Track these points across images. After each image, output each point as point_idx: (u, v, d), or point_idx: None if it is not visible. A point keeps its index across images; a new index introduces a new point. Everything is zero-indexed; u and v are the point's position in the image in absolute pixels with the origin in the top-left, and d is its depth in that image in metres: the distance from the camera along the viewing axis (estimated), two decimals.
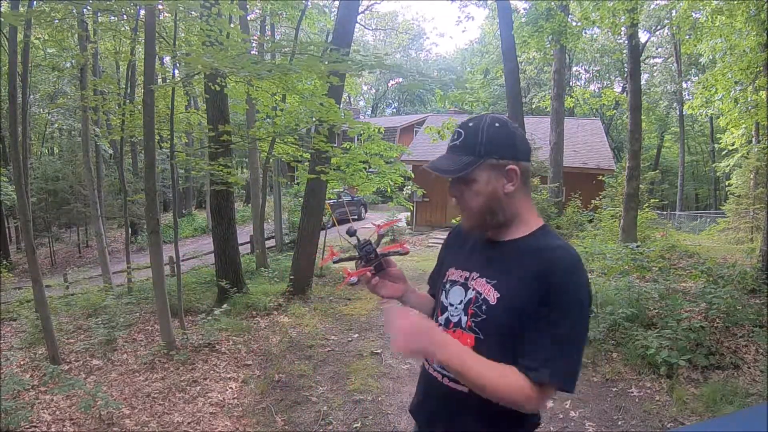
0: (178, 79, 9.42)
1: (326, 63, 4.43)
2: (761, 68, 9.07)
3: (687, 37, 11.03)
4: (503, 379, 1.03)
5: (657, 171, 20.46)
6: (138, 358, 4.87)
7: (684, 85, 25.24)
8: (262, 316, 6.13)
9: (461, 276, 1.23)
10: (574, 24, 11.11)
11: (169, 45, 6.72)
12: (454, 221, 12.06)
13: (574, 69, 30.62)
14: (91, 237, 17.92)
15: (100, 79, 10.87)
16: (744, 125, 12.27)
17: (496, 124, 1.14)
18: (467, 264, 1.24)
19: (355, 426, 3.54)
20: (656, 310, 4.88)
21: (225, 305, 6.04)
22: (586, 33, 17.64)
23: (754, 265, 6.64)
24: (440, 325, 1.22)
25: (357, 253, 1.19)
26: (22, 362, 4.95)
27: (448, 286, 1.25)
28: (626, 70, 14.52)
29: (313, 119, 6.23)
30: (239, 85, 7.47)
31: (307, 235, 7.28)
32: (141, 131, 6.50)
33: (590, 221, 11.66)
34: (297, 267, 7.28)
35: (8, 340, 5.83)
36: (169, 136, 7.37)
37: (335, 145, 6.89)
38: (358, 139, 12.74)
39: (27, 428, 3.57)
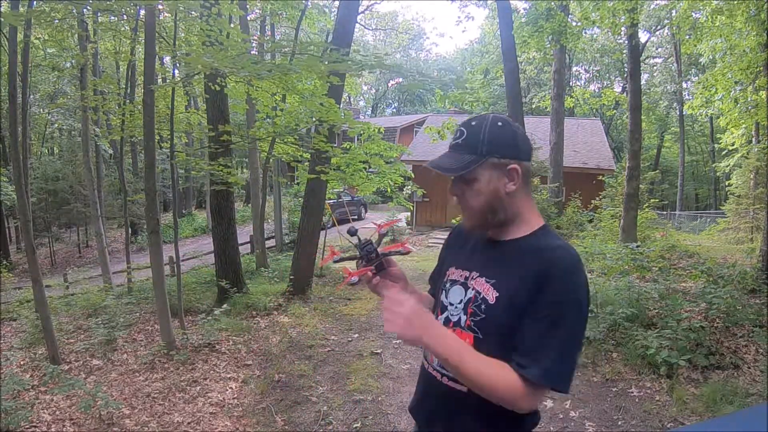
0: (178, 79, 9.42)
1: (326, 63, 4.43)
2: (761, 68, 9.07)
3: (687, 37, 11.04)
4: (496, 375, 1.02)
5: (657, 171, 20.47)
6: (138, 358, 4.87)
7: (684, 85, 25.26)
8: (262, 316, 6.13)
9: (461, 275, 1.23)
10: (574, 24, 11.11)
11: (169, 45, 6.73)
12: (454, 221, 12.07)
13: (574, 69, 30.63)
14: (91, 237, 17.92)
15: (100, 79, 10.88)
16: (744, 125, 12.28)
17: (499, 124, 1.14)
18: (467, 264, 1.24)
19: (355, 426, 3.54)
20: (656, 310, 4.88)
21: (225, 305, 6.04)
22: (586, 33, 17.65)
23: (754, 265, 6.64)
24: None
25: (358, 253, 1.19)
26: (22, 362, 4.95)
27: (448, 285, 1.25)
28: (626, 70, 14.52)
29: (313, 119, 6.23)
30: (239, 85, 7.47)
31: (307, 235, 7.28)
32: (141, 131, 6.50)
33: (590, 221, 11.67)
34: (297, 267, 7.28)
35: (8, 340, 5.83)
36: (169, 136, 7.37)
37: (335, 145, 6.89)
38: (358, 139, 12.75)
39: (27, 428, 3.57)
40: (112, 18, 8.20)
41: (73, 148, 18.12)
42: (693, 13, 10.24)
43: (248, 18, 11.60)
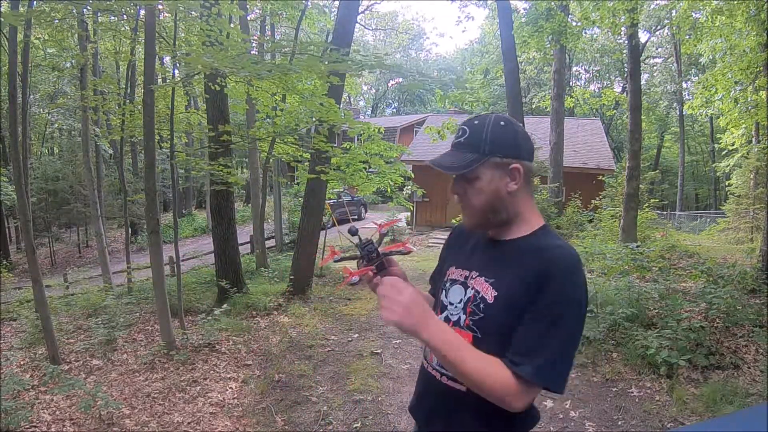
0: (178, 79, 9.42)
1: (326, 63, 4.43)
2: (761, 68, 9.07)
3: (687, 37, 11.04)
4: (490, 372, 1.02)
5: (657, 171, 20.47)
6: (138, 358, 4.87)
7: (684, 85, 25.26)
8: (262, 316, 6.13)
9: (461, 275, 1.23)
10: (574, 24, 11.11)
11: (169, 45, 6.73)
12: (454, 221, 12.07)
13: (574, 69, 30.63)
14: (91, 237, 17.92)
15: (100, 79, 10.87)
16: (744, 125, 12.28)
17: (501, 123, 1.14)
18: (468, 263, 1.24)
19: (355, 426, 3.54)
20: (656, 310, 4.88)
21: (225, 305, 6.04)
22: (586, 33, 17.65)
23: (754, 265, 6.64)
24: None
25: (358, 253, 1.18)
26: (22, 362, 4.95)
27: (448, 284, 1.26)
28: (626, 70, 14.52)
29: (313, 119, 6.23)
30: (239, 85, 7.47)
31: (307, 235, 7.28)
32: (141, 131, 6.50)
33: (590, 221, 11.67)
34: (297, 267, 7.29)
35: (8, 340, 5.83)
36: (169, 136, 7.37)
37: (335, 145, 6.89)
38: (358, 139, 12.75)
39: (27, 428, 3.57)
40: (112, 18, 8.20)
41: (73, 148, 18.12)
42: (693, 13, 10.24)
43: (248, 18, 11.60)
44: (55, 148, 24.23)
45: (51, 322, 4.92)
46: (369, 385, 4.17)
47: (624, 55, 17.48)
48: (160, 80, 9.57)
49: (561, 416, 3.54)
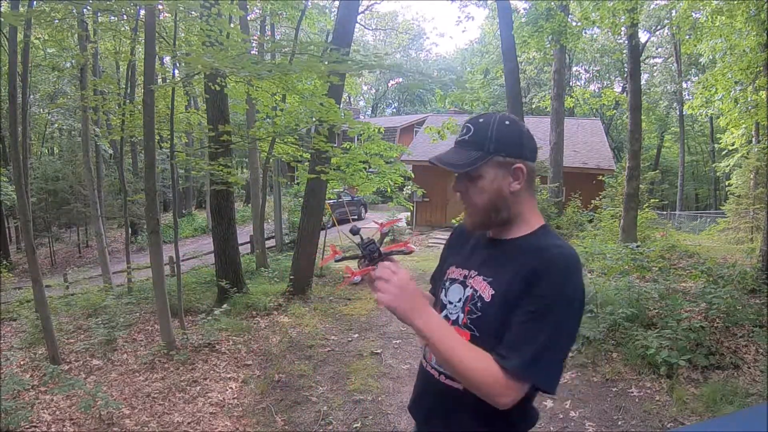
0: (178, 79, 9.42)
1: (326, 63, 4.43)
2: (761, 68, 9.07)
3: (687, 37, 11.03)
4: (475, 362, 1.02)
5: (657, 171, 20.47)
6: (138, 358, 4.87)
7: (684, 85, 25.25)
8: (262, 316, 6.13)
9: (461, 274, 1.23)
10: (574, 24, 11.11)
11: (169, 45, 6.72)
12: (454, 221, 12.08)
13: (574, 69, 30.63)
14: (91, 237, 17.92)
15: (100, 79, 10.87)
16: (744, 125, 12.27)
17: (506, 122, 1.14)
18: (467, 263, 1.24)
19: (355, 426, 3.54)
20: (656, 310, 4.88)
21: (225, 305, 6.04)
22: (586, 33, 17.65)
23: (754, 265, 6.64)
24: None
25: (360, 252, 1.18)
26: (22, 362, 4.95)
27: (447, 284, 1.26)
28: (626, 70, 14.52)
29: (313, 119, 6.23)
30: (239, 85, 7.47)
31: (307, 235, 7.28)
32: (141, 131, 6.50)
33: (590, 221, 11.66)
34: (297, 267, 7.28)
35: (8, 340, 5.83)
36: (169, 136, 7.37)
37: (335, 145, 6.89)
38: (358, 139, 12.74)
39: (27, 428, 3.57)
40: (112, 18, 8.20)
41: (73, 148, 18.12)
42: (693, 13, 10.24)
43: (248, 18, 11.60)
44: (55, 148, 24.23)
45: (51, 322, 4.92)
46: (369, 385, 4.17)
47: (624, 55, 17.48)
48: (160, 80, 9.57)
49: (561, 416, 3.54)
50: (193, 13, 6.41)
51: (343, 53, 4.99)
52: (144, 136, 5.20)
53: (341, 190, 14.79)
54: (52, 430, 3.62)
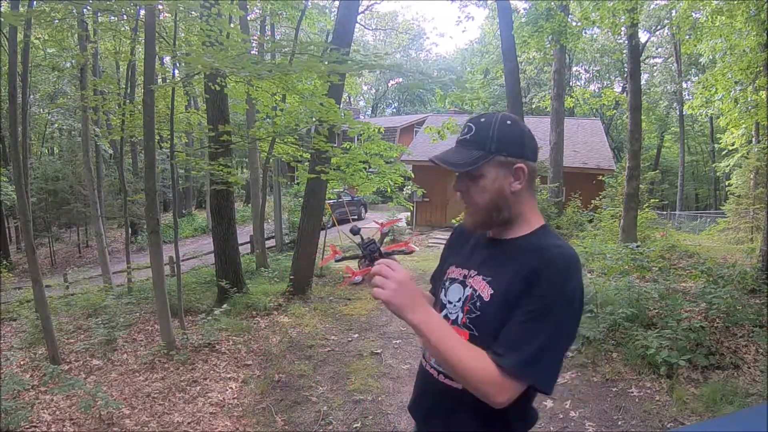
0: (178, 79, 9.42)
1: (326, 63, 4.44)
2: (761, 68, 9.07)
3: (687, 37, 11.03)
4: (473, 360, 1.02)
5: (657, 171, 20.47)
6: (138, 358, 4.87)
7: (684, 85, 25.25)
8: (262, 316, 6.13)
9: (460, 274, 1.23)
10: (574, 24, 11.11)
11: (169, 45, 6.72)
12: (454, 221, 12.07)
13: (574, 69, 30.63)
14: (91, 237, 17.92)
15: (100, 79, 10.87)
16: (744, 125, 12.27)
17: (508, 122, 1.15)
18: (467, 262, 1.25)
19: (355, 426, 3.54)
20: (656, 310, 4.88)
21: (225, 305, 6.04)
22: (586, 33, 17.65)
23: (754, 265, 6.64)
24: None
25: (360, 252, 1.18)
26: (22, 362, 4.95)
27: (447, 283, 1.26)
28: (626, 70, 14.52)
29: (313, 119, 6.23)
30: (239, 85, 7.47)
31: (307, 235, 7.28)
32: (141, 131, 6.50)
33: (590, 221, 11.66)
34: (297, 267, 7.28)
35: (8, 340, 5.83)
36: (169, 136, 7.37)
37: (335, 145, 6.89)
38: (358, 139, 12.74)
39: (27, 428, 3.57)
40: (112, 18, 8.20)
41: (73, 148, 18.12)
42: (693, 13, 10.24)
43: (248, 18, 11.60)
44: (55, 148, 24.22)
45: (51, 322, 4.92)
46: (369, 385, 4.17)
47: (624, 55, 17.48)
48: (160, 80, 9.57)
49: (561, 416, 3.54)
50: (193, 13, 6.41)
51: (343, 53, 4.99)
52: (144, 136, 5.20)
53: (341, 190, 14.79)
54: (52, 430, 3.62)
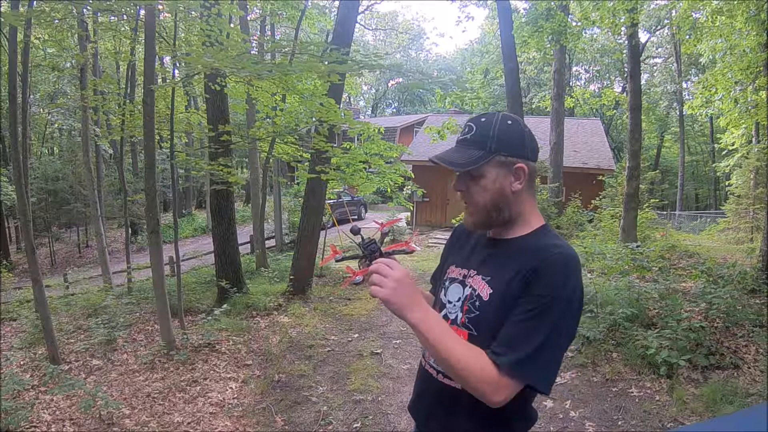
0: (178, 79, 9.42)
1: (326, 63, 4.44)
2: (761, 68, 9.07)
3: (687, 37, 11.04)
4: (470, 359, 1.02)
5: (657, 171, 20.43)
6: (138, 358, 4.87)
7: (684, 85, 25.25)
8: (262, 316, 6.13)
9: (460, 273, 1.24)
10: (574, 24, 11.10)
11: (169, 45, 6.72)
12: (454, 221, 12.06)
13: (574, 69, 30.62)
14: (91, 237, 17.92)
15: (100, 79, 10.85)
16: (744, 125, 12.28)
17: (508, 122, 1.15)
18: (467, 262, 1.25)
19: (355, 426, 3.54)
20: (656, 310, 4.88)
21: (225, 305, 6.04)
22: (586, 33, 17.63)
23: (754, 265, 6.64)
24: None
25: (361, 252, 1.18)
26: (22, 362, 4.95)
27: (447, 283, 1.26)
28: (626, 70, 14.53)
29: (313, 119, 6.23)
30: (239, 85, 7.47)
31: (307, 235, 7.28)
32: (141, 131, 6.50)
33: (590, 221, 11.66)
34: (297, 267, 7.29)
35: (8, 340, 5.84)
36: (169, 136, 7.37)
37: (335, 145, 6.89)
38: (358, 139, 12.74)
39: (27, 428, 3.57)
40: (112, 18, 8.20)
41: (73, 148, 18.11)
42: (693, 13, 10.24)
43: (248, 18, 11.60)
44: (55, 148, 24.22)
45: (51, 322, 4.92)
46: (369, 385, 4.17)
47: (624, 55, 17.47)
48: (160, 80, 9.56)
49: (561, 416, 3.54)
50: (193, 13, 6.42)
51: (343, 53, 4.99)
52: (144, 136, 5.20)
53: (341, 190, 14.79)
54: (52, 430, 3.62)
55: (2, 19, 5.24)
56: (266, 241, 10.82)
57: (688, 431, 2.47)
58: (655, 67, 28.67)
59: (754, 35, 8.93)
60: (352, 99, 33.69)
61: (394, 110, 44.16)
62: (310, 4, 12.76)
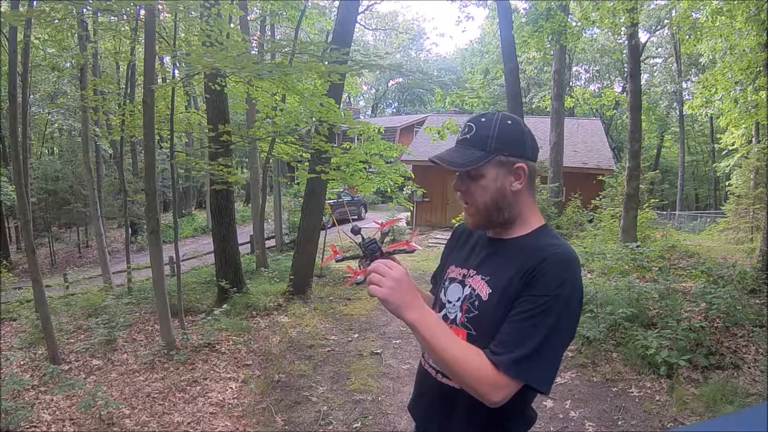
0: (178, 79, 9.41)
1: (326, 63, 4.44)
2: (761, 68, 9.06)
3: (687, 37, 11.02)
4: (468, 359, 1.01)
5: (657, 171, 20.44)
6: (138, 358, 4.87)
7: (684, 85, 25.25)
8: (262, 316, 6.13)
9: (460, 273, 1.24)
10: (574, 24, 11.11)
11: (169, 45, 6.72)
12: (454, 221, 12.07)
13: (574, 69, 30.60)
14: (91, 237, 17.92)
15: (100, 79, 10.86)
16: (744, 125, 12.27)
17: (508, 122, 1.15)
18: (466, 262, 1.25)
19: (355, 426, 3.54)
20: (656, 310, 4.88)
21: (225, 305, 6.04)
22: (586, 33, 17.62)
23: (754, 265, 6.64)
24: None
25: (361, 252, 1.18)
26: (22, 362, 4.94)
27: (447, 283, 1.27)
28: (626, 70, 14.53)
29: (313, 119, 6.23)
30: (239, 85, 7.47)
31: (307, 235, 7.29)
32: (141, 131, 6.49)
33: (590, 221, 11.65)
34: (297, 267, 7.28)
35: (8, 340, 5.83)
36: (169, 136, 7.36)
37: (335, 145, 6.89)
38: (358, 139, 12.75)
39: (27, 428, 3.57)
40: (112, 18, 8.20)
41: (73, 148, 18.12)
42: (693, 13, 10.23)
43: (248, 18, 11.60)
44: (55, 148, 24.21)
45: (51, 322, 4.92)
46: (369, 385, 4.17)
47: (624, 55, 17.48)
48: (160, 80, 9.56)
49: (561, 416, 3.54)
50: (193, 13, 6.41)
51: (343, 53, 5.00)
52: (144, 136, 5.20)
53: (341, 190, 14.79)
54: (52, 430, 3.62)
55: (2, 19, 5.24)
56: (266, 241, 10.82)
57: (688, 431, 2.47)
58: (655, 67, 28.68)
59: (754, 35, 8.93)
60: (352, 99, 33.69)
61: (394, 110, 44.15)
62: (310, 4, 12.77)
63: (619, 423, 3.45)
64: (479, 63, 21.70)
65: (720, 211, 17.70)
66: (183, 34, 7.69)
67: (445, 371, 1.08)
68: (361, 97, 42.25)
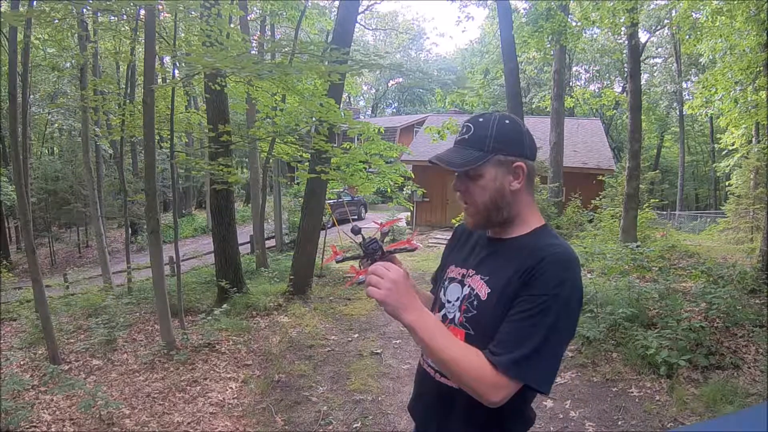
0: (178, 79, 9.41)
1: (327, 63, 4.44)
2: (761, 68, 9.06)
3: (687, 37, 11.02)
4: (467, 359, 1.01)
5: (657, 171, 20.44)
6: (138, 358, 4.87)
7: (684, 85, 25.26)
8: (262, 316, 6.13)
9: (459, 273, 1.24)
10: (574, 24, 11.10)
11: (169, 45, 6.72)
12: (454, 221, 12.07)
13: (574, 69, 30.59)
14: (91, 237, 17.92)
15: (100, 79, 10.86)
16: (744, 125, 12.27)
17: (506, 121, 1.15)
18: (466, 262, 1.25)
19: (355, 426, 3.54)
20: (656, 310, 4.88)
21: (225, 305, 6.04)
22: (586, 33, 17.62)
23: (754, 265, 6.64)
24: None
25: (362, 251, 1.18)
26: (22, 362, 4.95)
27: (446, 283, 1.27)
28: (626, 70, 14.53)
29: (313, 119, 6.23)
30: (239, 85, 7.47)
31: (307, 235, 7.29)
32: (141, 131, 6.49)
33: (590, 221, 11.65)
34: (297, 267, 7.28)
35: (8, 340, 5.83)
36: (169, 136, 7.36)
37: (335, 145, 6.89)
38: (358, 139, 12.74)
39: (27, 428, 3.57)
40: (112, 18, 8.20)
41: (73, 148, 18.12)
42: (693, 13, 10.23)
43: (248, 18, 11.60)
44: (55, 148, 24.21)
45: (51, 322, 4.92)
46: (369, 385, 4.17)
47: (624, 55, 17.48)
48: (160, 80, 9.56)
49: (561, 416, 3.54)
50: (193, 13, 6.41)
51: (343, 53, 4.99)
52: (144, 136, 5.20)
53: (341, 190, 14.79)
54: (52, 430, 3.62)
55: (2, 19, 5.24)
56: (266, 241, 10.82)
57: (688, 431, 2.47)
58: (655, 67, 28.68)
59: (754, 35, 8.93)
60: (352, 99, 33.69)
61: (394, 110, 44.14)
62: (310, 4, 12.77)
63: (619, 423, 3.45)
64: (479, 63, 21.68)
65: (720, 211, 17.70)
66: (183, 34, 7.69)
67: (443, 372, 1.09)
68: (361, 97, 42.25)
